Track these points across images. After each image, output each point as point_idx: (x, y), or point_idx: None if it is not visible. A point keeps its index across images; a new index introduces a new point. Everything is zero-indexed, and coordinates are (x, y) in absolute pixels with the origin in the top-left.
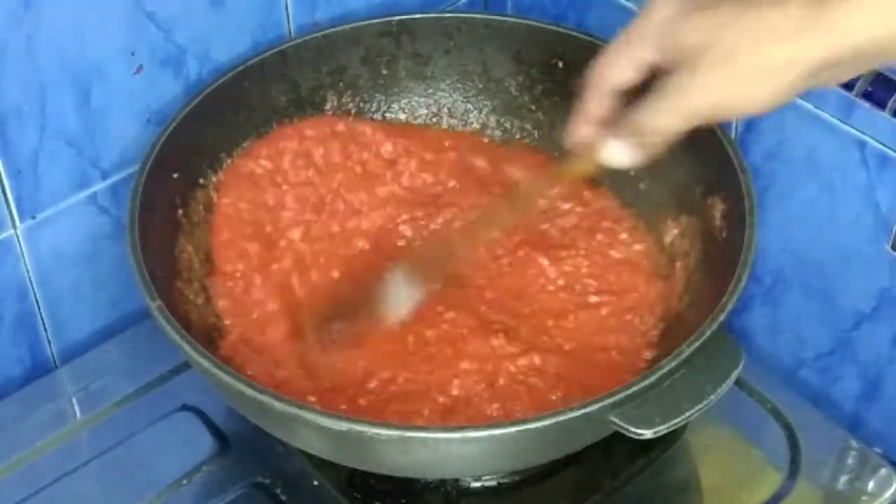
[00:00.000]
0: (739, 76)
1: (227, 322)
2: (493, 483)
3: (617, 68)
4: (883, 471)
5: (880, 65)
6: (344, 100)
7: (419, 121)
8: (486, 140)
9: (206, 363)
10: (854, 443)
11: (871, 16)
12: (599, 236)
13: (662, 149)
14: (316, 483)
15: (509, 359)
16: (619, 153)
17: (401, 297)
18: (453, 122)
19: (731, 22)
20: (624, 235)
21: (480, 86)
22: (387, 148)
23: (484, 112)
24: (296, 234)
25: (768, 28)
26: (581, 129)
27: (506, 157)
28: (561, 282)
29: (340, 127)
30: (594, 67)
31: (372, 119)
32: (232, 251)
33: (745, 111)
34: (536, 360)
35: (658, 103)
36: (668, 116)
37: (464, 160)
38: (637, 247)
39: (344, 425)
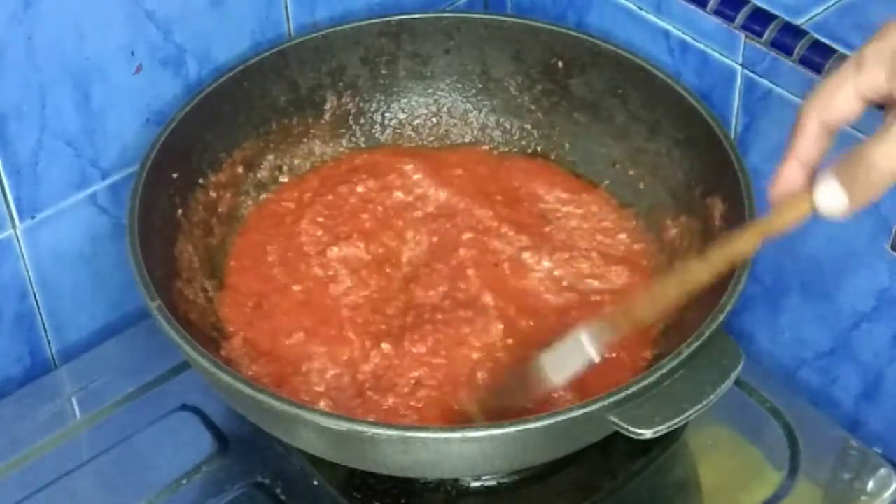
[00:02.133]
0: None
1: (229, 328)
2: (493, 483)
3: (841, 99)
4: (882, 470)
5: None
6: (343, 100)
7: (418, 120)
8: (486, 148)
9: (205, 363)
10: (853, 443)
11: None
12: (599, 236)
13: (883, 193)
14: (316, 483)
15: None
16: (837, 198)
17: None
18: (453, 121)
19: None
20: (623, 235)
21: (480, 86)
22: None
23: (483, 112)
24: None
25: None
26: (792, 173)
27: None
28: (564, 282)
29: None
30: (810, 100)
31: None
32: (250, 274)
33: None
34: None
35: (882, 143)
36: (894, 159)
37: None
38: (637, 246)
39: (344, 425)
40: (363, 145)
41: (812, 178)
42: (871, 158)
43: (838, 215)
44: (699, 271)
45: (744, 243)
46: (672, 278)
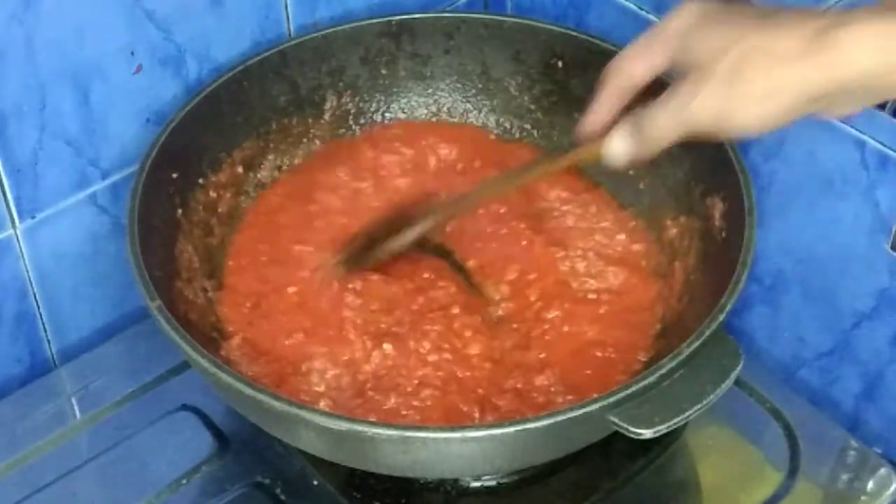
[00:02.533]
0: (740, 92)
1: (229, 328)
2: (493, 483)
3: (631, 69)
4: (882, 470)
5: (878, 101)
6: (343, 100)
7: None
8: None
9: (205, 363)
10: (853, 442)
11: (869, 49)
12: (598, 236)
13: (659, 151)
14: (315, 483)
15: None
16: (618, 148)
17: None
18: (452, 121)
19: (740, 39)
20: (622, 235)
21: (480, 85)
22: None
23: (483, 112)
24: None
25: (773, 49)
26: (590, 123)
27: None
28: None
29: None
30: (610, 66)
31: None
32: (250, 274)
33: (742, 128)
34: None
35: (662, 106)
36: (670, 119)
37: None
38: (636, 246)
39: (344, 425)
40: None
41: (608, 127)
42: (643, 120)
43: (621, 162)
44: (509, 182)
45: (549, 168)
46: (487, 183)
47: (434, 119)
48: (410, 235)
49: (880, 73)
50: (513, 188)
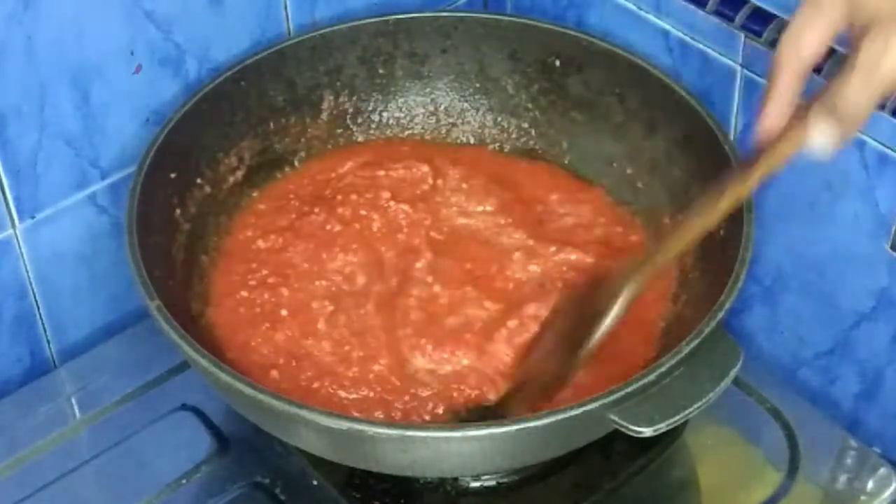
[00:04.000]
0: None
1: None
2: (493, 483)
3: (803, 46)
4: (882, 470)
5: None
6: (341, 99)
7: (416, 120)
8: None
9: (205, 363)
10: (853, 442)
11: None
12: (598, 231)
13: (859, 128)
14: (315, 482)
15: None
16: (822, 140)
17: None
18: (450, 121)
19: None
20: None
21: (477, 85)
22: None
23: (481, 111)
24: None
25: None
26: (775, 116)
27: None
28: (559, 283)
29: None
30: (783, 44)
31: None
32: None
33: None
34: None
35: (853, 77)
36: (865, 88)
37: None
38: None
39: (344, 424)
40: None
41: (789, 117)
42: (847, 95)
43: (828, 154)
44: (706, 217)
45: (745, 185)
46: (682, 226)
47: (432, 118)
48: (619, 309)
49: None
50: (710, 220)
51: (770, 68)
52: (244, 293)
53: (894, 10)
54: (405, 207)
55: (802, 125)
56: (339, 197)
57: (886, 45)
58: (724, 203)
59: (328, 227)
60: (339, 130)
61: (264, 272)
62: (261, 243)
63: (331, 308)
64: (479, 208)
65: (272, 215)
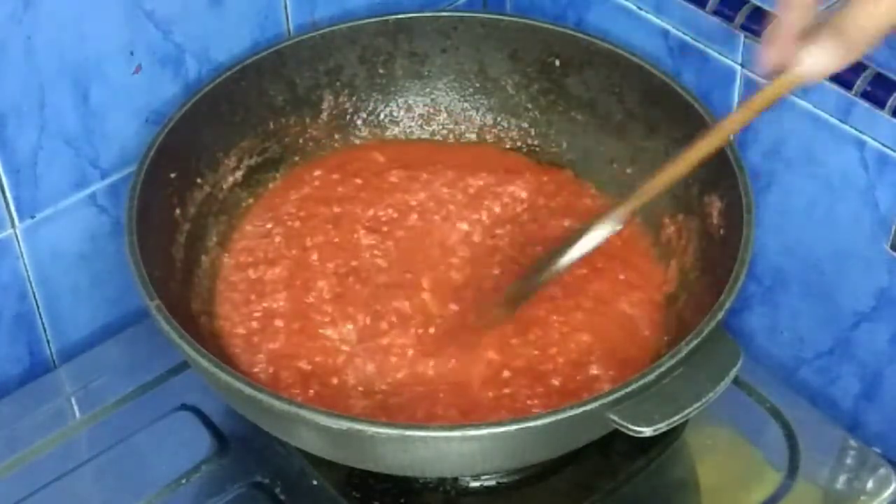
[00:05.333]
0: None
1: (228, 327)
2: (493, 483)
3: None
4: (882, 470)
5: None
6: (341, 99)
7: (416, 120)
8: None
9: (205, 363)
10: (853, 442)
11: None
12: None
13: (867, 50)
14: (315, 482)
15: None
16: (821, 64)
17: None
18: (450, 120)
19: None
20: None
21: (477, 84)
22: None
23: (481, 111)
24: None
25: None
26: (779, 46)
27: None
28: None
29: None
30: None
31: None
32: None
33: None
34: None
35: (861, 3)
36: (877, 9)
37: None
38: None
39: (344, 424)
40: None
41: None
42: (856, 17)
43: (823, 77)
44: (706, 144)
45: (748, 111)
46: (681, 155)
47: (432, 118)
48: (590, 244)
49: None
50: (703, 152)
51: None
52: (245, 293)
53: None
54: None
55: (804, 53)
56: (340, 197)
57: None
58: (715, 136)
59: (329, 226)
60: (339, 130)
61: (265, 272)
62: (261, 243)
63: (331, 308)
64: (475, 216)
65: (272, 215)
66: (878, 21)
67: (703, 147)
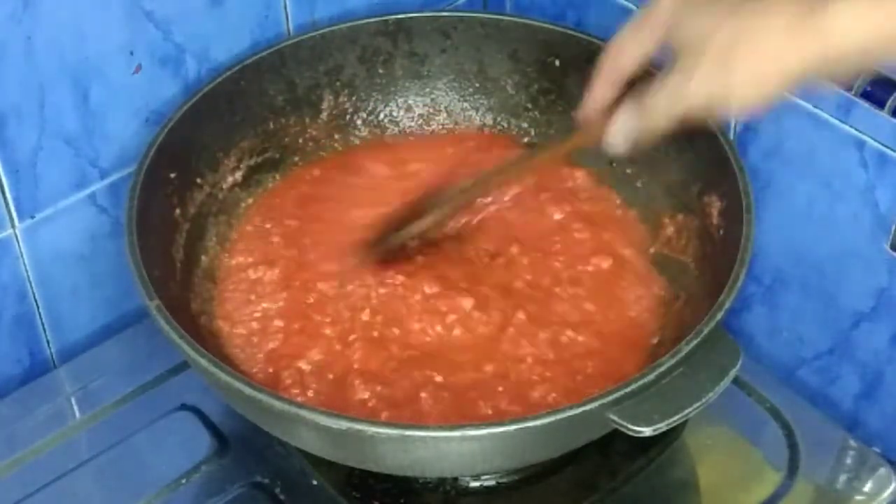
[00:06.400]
0: (734, 73)
1: (228, 327)
2: (492, 482)
3: (622, 55)
4: (881, 470)
5: (871, 67)
6: (340, 99)
7: (415, 120)
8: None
9: (204, 363)
10: (853, 442)
11: (857, 23)
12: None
13: (657, 137)
14: (315, 482)
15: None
16: (620, 133)
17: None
18: (450, 120)
19: (731, 17)
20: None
21: (477, 84)
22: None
23: (481, 111)
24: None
25: (764, 27)
26: (588, 110)
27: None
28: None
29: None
30: (605, 52)
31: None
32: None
33: (740, 107)
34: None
35: (659, 90)
36: (667, 103)
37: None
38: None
39: (344, 424)
40: (360, 144)
41: (604, 114)
42: (643, 104)
43: (622, 147)
44: (519, 172)
45: (549, 156)
46: (502, 169)
47: (431, 118)
48: (425, 223)
49: (869, 46)
50: (520, 174)
51: (593, 71)
52: (244, 293)
53: (703, 43)
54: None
55: (610, 118)
56: (340, 197)
57: (690, 72)
58: (532, 163)
59: (329, 227)
60: (338, 130)
61: (265, 272)
62: (262, 243)
63: (331, 308)
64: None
65: (272, 215)
66: (671, 107)
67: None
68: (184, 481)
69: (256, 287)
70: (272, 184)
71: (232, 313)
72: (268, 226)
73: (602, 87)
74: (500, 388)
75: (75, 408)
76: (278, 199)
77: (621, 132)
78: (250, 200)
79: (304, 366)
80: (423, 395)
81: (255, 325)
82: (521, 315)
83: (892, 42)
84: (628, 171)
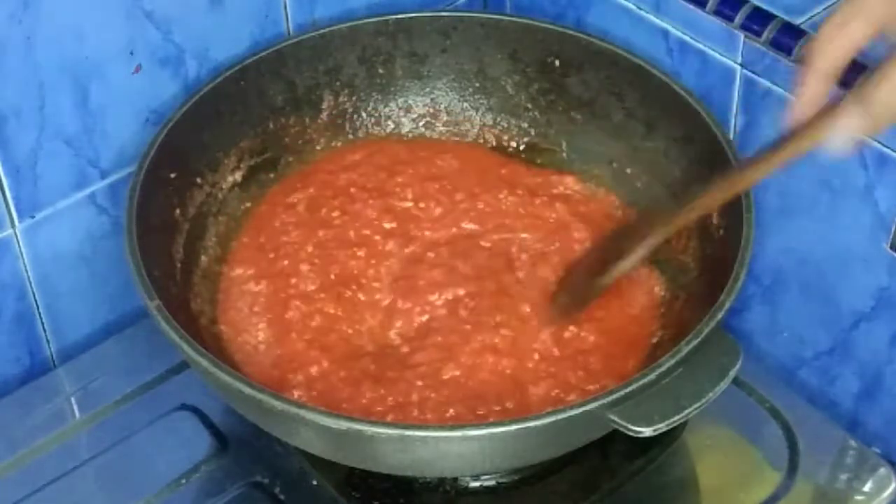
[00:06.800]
0: None
1: (228, 327)
2: (492, 483)
3: (834, 48)
4: (881, 470)
5: None
6: (341, 99)
7: (415, 120)
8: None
9: (204, 363)
10: (852, 442)
11: None
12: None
13: (886, 129)
14: (314, 482)
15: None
16: (846, 134)
17: None
18: (450, 120)
19: None
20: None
21: (477, 84)
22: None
23: (480, 111)
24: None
25: None
26: (800, 111)
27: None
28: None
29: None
30: (813, 45)
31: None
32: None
33: None
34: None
35: (888, 77)
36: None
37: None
38: None
39: (344, 424)
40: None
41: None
42: (880, 94)
43: (847, 148)
44: (720, 192)
45: (766, 166)
46: (698, 197)
47: (432, 118)
48: (640, 254)
49: None
50: (736, 187)
51: (802, 67)
52: (245, 293)
53: None
54: (408, 206)
55: (828, 118)
56: (341, 197)
57: None
58: (743, 180)
59: (329, 226)
60: (339, 130)
61: (265, 272)
62: (262, 243)
63: (332, 307)
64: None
65: (272, 215)
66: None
67: (719, 193)
68: (184, 481)
69: (256, 287)
70: (272, 184)
71: (232, 314)
72: (268, 226)
73: (814, 83)
74: (504, 384)
75: (75, 408)
76: (278, 199)
77: (850, 125)
78: (250, 201)
79: (305, 366)
80: (423, 395)
81: (257, 328)
82: (525, 308)
83: None
84: (628, 171)
